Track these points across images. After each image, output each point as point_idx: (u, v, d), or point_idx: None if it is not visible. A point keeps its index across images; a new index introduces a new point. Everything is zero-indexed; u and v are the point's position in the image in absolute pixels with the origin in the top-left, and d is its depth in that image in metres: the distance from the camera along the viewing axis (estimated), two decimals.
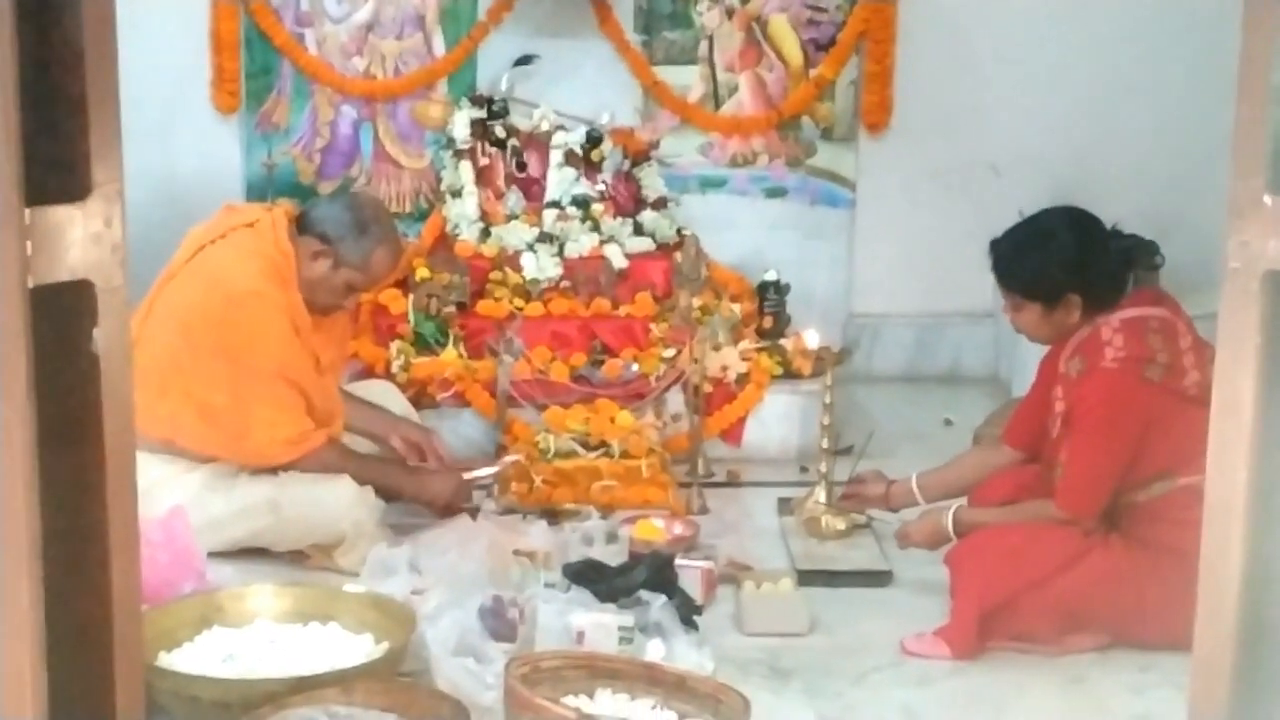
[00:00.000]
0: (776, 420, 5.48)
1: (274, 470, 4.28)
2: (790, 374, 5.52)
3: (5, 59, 1.44)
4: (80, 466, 1.63)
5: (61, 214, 1.53)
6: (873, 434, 4.84)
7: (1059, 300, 3.93)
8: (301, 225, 4.39)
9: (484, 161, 6.06)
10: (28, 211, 1.49)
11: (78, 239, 1.55)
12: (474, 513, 4.57)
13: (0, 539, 1.49)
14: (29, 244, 1.48)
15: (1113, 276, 3.96)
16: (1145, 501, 3.85)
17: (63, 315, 1.57)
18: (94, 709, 1.65)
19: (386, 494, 4.45)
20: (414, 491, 4.51)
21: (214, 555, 4.04)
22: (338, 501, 4.24)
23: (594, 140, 6.05)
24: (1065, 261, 3.92)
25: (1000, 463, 4.31)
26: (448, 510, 4.51)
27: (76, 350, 1.60)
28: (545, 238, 5.79)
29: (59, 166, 1.56)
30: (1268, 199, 1.46)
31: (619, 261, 5.77)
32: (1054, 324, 3.98)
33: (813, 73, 6.42)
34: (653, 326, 5.58)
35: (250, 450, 4.27)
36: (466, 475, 4.61)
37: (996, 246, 4.05)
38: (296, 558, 4.29)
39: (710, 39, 6.41)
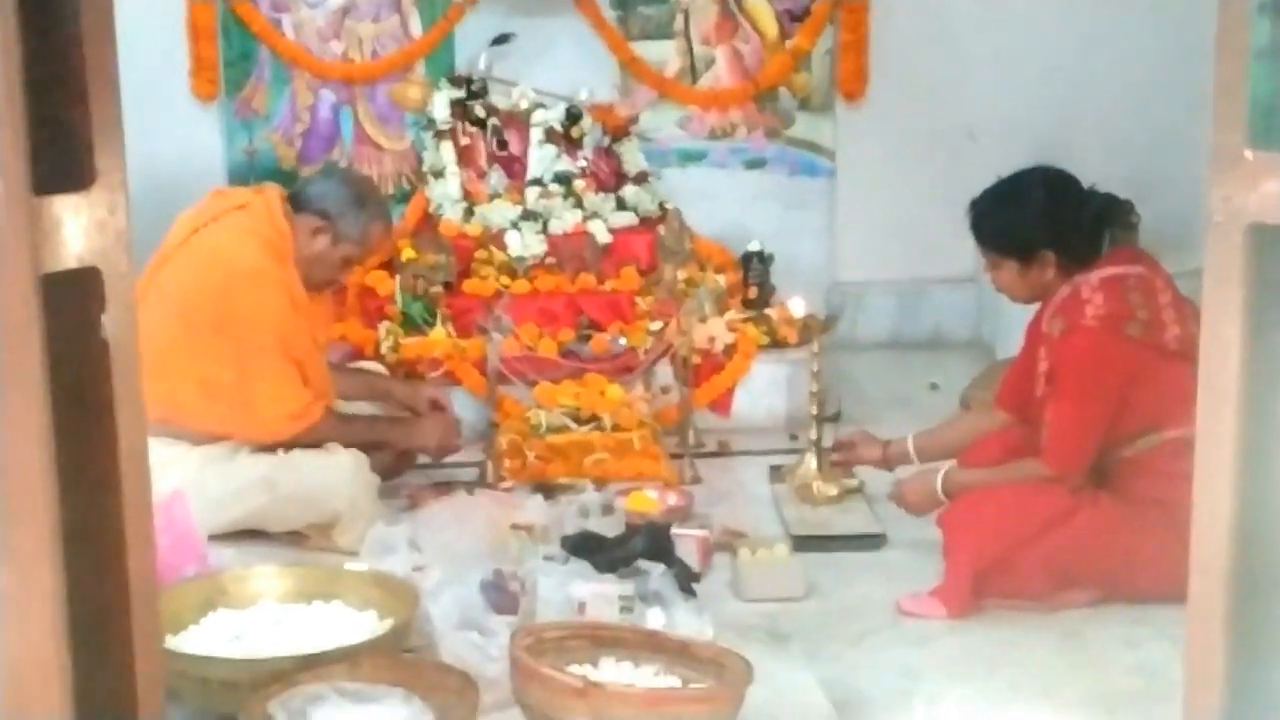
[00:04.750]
0: (764, 389, 5.51)
1: (272, 449, 4.31)
2: (777, 343, 5.55)
3: (9, 52, 1.45)
4: (93, 451, 1.64)
5: (67, 203, 1.55)
6: (840, 403, 4.86)
7: (1033, 257, 3.98)
8: (297, 204, 4.44)
9: (465, 141, 6.09)
10: (35, 201, 1.51)
11: (83, 227, 1.57)
12: (470, 488, 4.62)
13: (22, 524, 1.51)
14: (37, 233, 1.50)
15: (1087, 234, 4.00)
16: (1132, 456, 3.90)
17: (70, 303, 1.58)
18: (114, 693, 1.67)
19: (381, 448, 4.53)
20: (408, 439, 4.67)
21: (213, 539, 4.06)
22: (333, 479, 4.27)
23: (573, 117, 6.08)
24: (1038, 217, 3.98)
25: (994, 427, 4.35)
26: (442, 451, 4.65)
27: (85, 337, 1.61)
28: (529, 215, 5.82)
29: (62, 156, 1.57)
30: (1249, 153, 1.48)
31: (603, 237, 5.80)
32: (1030, 282, 4.03)
33: (789, 44, 6.45)
34: (638, 300, 5.62)
35: (255, 424, 4.31)
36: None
37: (975, 205, 4.12)
38: (296, 539, 4.32)
39: (686, 13, 6.43)
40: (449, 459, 4.77)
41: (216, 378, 4.25)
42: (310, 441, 4.34)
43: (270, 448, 4.32)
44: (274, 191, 4.52)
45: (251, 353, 4.25)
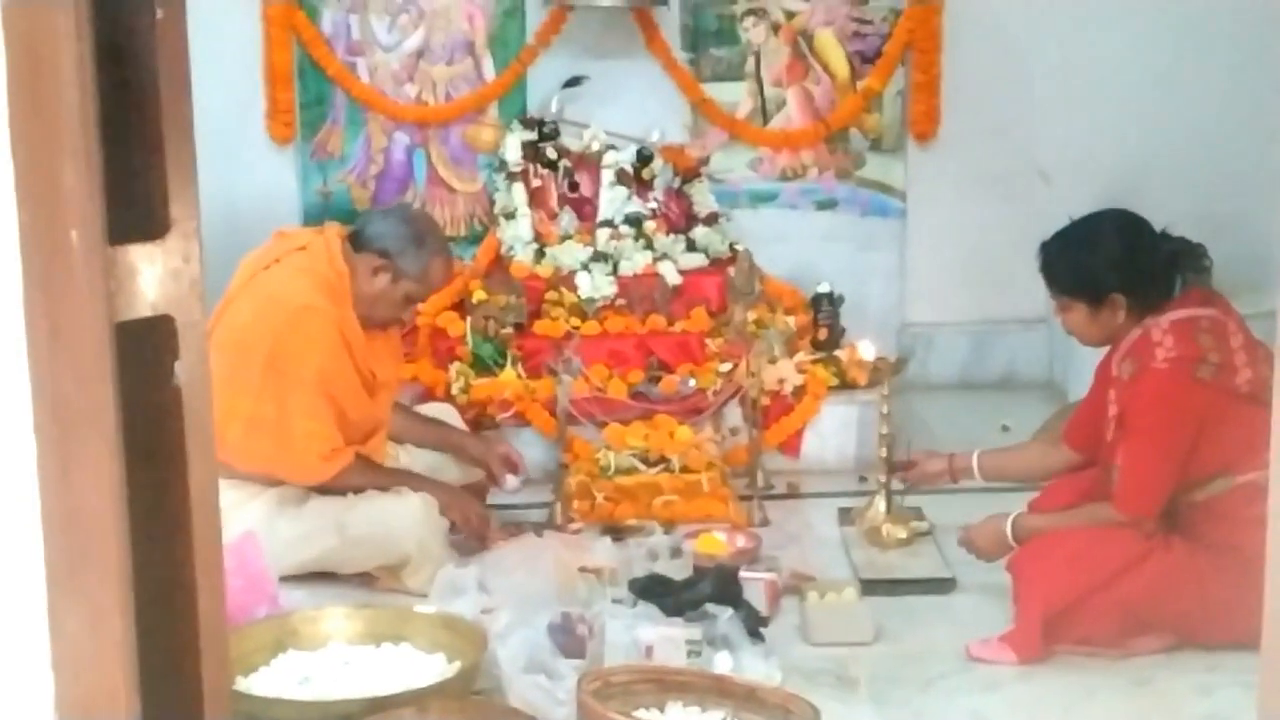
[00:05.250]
0: (834, 431, 5.50)
1: (342, 493, 4.33)
2: (846, 385, 5.54)
3: (86, 103, 1.48)
4: (164, 497, 1.66)
5: (142, 252, 1.56)
6: (910, 445, 4.83)
7: (1104, 300, 3.97)
8: (357, 243, 4.46)
9: (536, 183, 6.12)
10: (110, 250, 1.52)
11: (157, 276, 1.58)
12: (539, 530, 4.64)
13: (94, 569, 1.53)
14: (112, 282, 1.52)
15: (1158, 278, 3.98)
16: (1204, 500, 3.86)
17: (144, 350, 1.60)
18: None
19: None
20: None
21: (284, 580, 4.09)
22: (402, 522, 4.28)
23: (644, 158, 6.10)
24: (1110, 261, 3.97)
25: (1058, 460, 4.36)
26: (466, 526, 4.49)
27: (159, 384, 1.63)
28: (599, 257, 5.84)
29: (137, 206, 1.59)
30: None
31: (673, 278, 5.81)
32: (1101, 325, 4.01)
33: (860, 84, 6.44)
34: (708, 341, 5.62)
35: (292, 463, 4.32)
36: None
37: (1046, 248, 4.11)
38: (365, 580, 4.34)
39: (757, 54, 6.44)
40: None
41: (260, 414, 4.25)
42: (341, 488, 4.34)
43: (340, 491, 4.33)
44: (334, 231, 4.54)
45: (292, 387, 4.25)
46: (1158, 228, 4.04)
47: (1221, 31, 6.34)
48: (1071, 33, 6.39)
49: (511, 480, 4.72)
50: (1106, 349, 4.11)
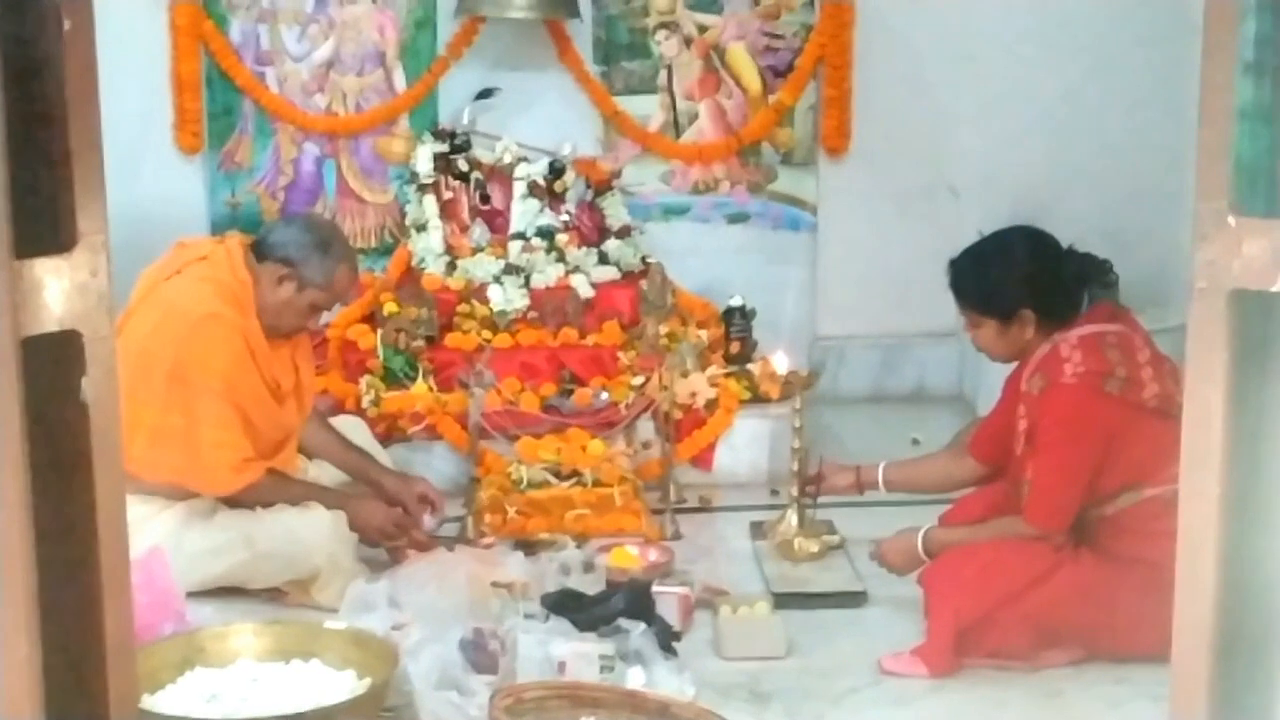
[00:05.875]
0: (746, 444, 5.50)
1: (251, 506, 4.28)
2: (759, 398, 5.55)
3: None
4: (71, 514, 1.63)
5: (48, 265, 1.54)
6: (821, 459, 4.83)
7: (1013, 316, 4.00)
8: (260, 252, 4.41)
9: (448, 195, 6.10)
10: (16, 264, 1.50)
11: (64, 290, 1.56)
12: (451, 544, 4.60)
13: None
14: (18, 296, 1.50)
15: (1066, 294, 4.02)
16: (1113, 514, 3.90)
17: (51, 365, 1.58)
18: None
19: None
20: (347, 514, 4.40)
21: (192, 595, 4.04)
22: (312, 536, 4.24)
23: (557, 171, 6.09)
24: (1018, 278, 4.01)
25: (963, 472, 4.42)
26: (382, 538, 4.47)
27: (65, 399, 1.61)
28: (511, 269, 5.82)
29: (44, 219, 1.57)
30: (1231, 220, 1.49)
31: (585, 291, 5.80)
32: (1010, 340, 4.05)
33: (772, 99, 6.46)
34: (621, 355, 5.61)
35: (201, 472, 4.26)
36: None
37: (954, 265, 4.14)
38: (275, 595, 4.29)
39: (669, 68, 6.45)
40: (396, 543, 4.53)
41: (167, 425, 4.20)
42: (251, 502, 4.29)
43: (249, 504, 4.29)
44: (236, 240, 4.50)
45: (198, 396, 4.21)
46: (1065, 244, 4.08)
47: (1127, 51, 6.41)
48: (981, 50, 6.45)
49: (429, 520, 4.64)
50: (1016, 364, 4.14)
